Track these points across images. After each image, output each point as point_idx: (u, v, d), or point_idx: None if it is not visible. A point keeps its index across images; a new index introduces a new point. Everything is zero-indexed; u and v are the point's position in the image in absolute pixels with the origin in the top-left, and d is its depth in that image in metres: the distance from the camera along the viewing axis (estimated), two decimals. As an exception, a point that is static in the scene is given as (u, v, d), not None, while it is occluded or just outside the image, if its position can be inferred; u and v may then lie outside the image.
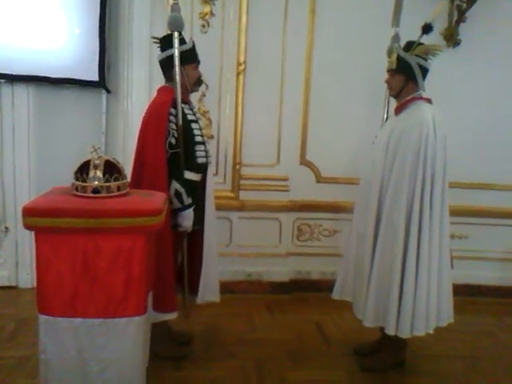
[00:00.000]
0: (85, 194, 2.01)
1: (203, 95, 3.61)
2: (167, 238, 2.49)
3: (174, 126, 2.54)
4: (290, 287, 3.87)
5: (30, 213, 1.92)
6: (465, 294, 3.76)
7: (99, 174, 2.00)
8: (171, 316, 2.63)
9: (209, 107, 3.66)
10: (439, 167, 2.52)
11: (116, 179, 2.03)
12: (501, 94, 3.79)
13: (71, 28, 3.44)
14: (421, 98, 2.62)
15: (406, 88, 2.63)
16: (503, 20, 3.66)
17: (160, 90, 2.71)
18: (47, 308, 1.96)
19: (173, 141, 2.54)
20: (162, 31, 3.41)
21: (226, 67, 3.61)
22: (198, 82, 2.74)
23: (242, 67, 3.60)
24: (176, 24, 2.54)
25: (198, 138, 2.69)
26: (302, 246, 3.95)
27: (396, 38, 2.90)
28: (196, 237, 2.77)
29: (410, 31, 2.66)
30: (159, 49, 2.69)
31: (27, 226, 1.94)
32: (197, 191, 2.68)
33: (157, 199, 2.11)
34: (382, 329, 2.70)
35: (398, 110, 2.69)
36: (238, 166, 3.71)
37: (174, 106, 2.55)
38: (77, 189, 2.04)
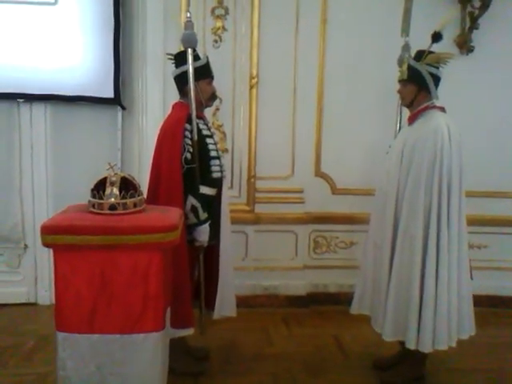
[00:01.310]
0: (101, 211, 2.03)
1: (217, 109, 3.65)
2: (183, 254, 2.49)
3: (189, 142, 2.56)
4: (307, 300, 3.84)
5: (48, 231, 1.94)
6: (486, 305, 3.69)
7: (115, 190, 2.02)
8: (188, 332, 2.62)
9: (223, 121, 3.69)
10: (455, 176, 2.50)
11: (132, 196, 2.05)
12: (513, 100, 3.75)
13: (86, 46, 3.51)
14: (434, 106, 2.61)
15: (418, 97, 2.61)
16: (516, 26, 3.64)
17: (175, 106, 2.75)
18: (65, 325, 1.97)
19: (188, 156, 2.56)
20: (176, 47, 3.47)
21: (239, 81, 3.64)
22: (213, 97, 2.77)
23: (254, 80, 3.63)
24: (189, 41, 2.58)
25: (213, 153, 2.70)
26: (318, 258, 3.93)
27: (406, 47, 2.89)
28: (212, 252, 2.77)
29: (420, 40, 2.65)
30: (174, 65, 2.73)
31: (46, 244, 1.97)
32: (212, 206, 2.69)
33: (173, 215, 2.12)
34: (401, 342, 2.66)
35: (412, 120, 2.67)
36: (252, 179, 3.71)
37: (189, 121, 2.57)
38: (94, 206, 2.06)
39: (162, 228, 1.96)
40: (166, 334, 2.18)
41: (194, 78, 2.58)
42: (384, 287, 2.63)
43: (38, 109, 3.60)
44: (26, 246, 3.71)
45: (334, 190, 3.87)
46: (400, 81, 2.69)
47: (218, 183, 2.73)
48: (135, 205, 2.06)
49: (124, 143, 3.69)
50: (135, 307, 1.98)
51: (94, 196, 2.06)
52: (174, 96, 3.59)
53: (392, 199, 2.63)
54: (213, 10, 3.55)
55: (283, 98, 3.68)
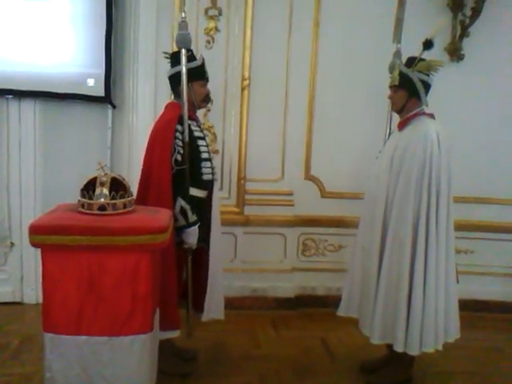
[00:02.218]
0: (91, 212, 2.02)
1: (208, 110, 3.64)
2: (171, 255, 2.47)
3: (180, 143, 2.55)
4: (295, 303, 3.85)
5: (36, 231, 1.93)
6: (472, 309, 3.73)
7: (105, 191, 2.01)
8: (174, 334, 2.62)
9: (213, 122, 3.68)
10: (444, 182, 2.53)
11: (122, 196, 2.04)
12: (504, 108, 3.80)
13: (78, 43, 3.48)
14: (424, 113, 2.63)
15: (408, 103, 2.64)
16: (505, 35, 3.68)
17: (167, 106, 2.75)
18: (53, 326, 1.96)
19: (179, 157, 2.54)
20: (168, 46, 3.47)
21: (231, 82, 3.63)
22: (206, 99, 2.76)
23: (246, 82, 3.63)
24: (184, 41, 2.56)
25: (205, 155, 2.69)
26: (307, 261, 3.94)
27: (398, 53, 2.93)
28: (201, 254, 2.75)
29: (412, 47, 2.67)
30: (169, 64, 2.72)
31: (33, 244, 1.95)
32: (202, 208, 2.68)
33: (163, 216, 2.11)
34: (388, 345, 2.68)
35: (402, 126, 2.69)
36: (242, 181, 3.71)
37: (181, 122, 2.55)
38: (83, 206, 2.05)
39: (151, 229, 1.96)
40: (155, 336, 2.17)
41: (188, 79, 2.57)
42: (372, 291, 2.65)
43: (28, 105, 3.55)
44: (12, 244, 3.66)
45: (324, 194, 3.88)
46: (391, 86, 2.72)
47: (208, 185, 2.72)
48: (125, 206, 2.05)
49: (114, 142, 3.67)
50: (123, 309, 1.97)
51: (83, 196, 2.05)
52: (166, 95, 3.59)
53: (381, 204, 2.65)
54: (206, 11, 3.54)
55: (274, 101, 3.69)
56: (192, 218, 2.56)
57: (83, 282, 1.93)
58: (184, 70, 2.54)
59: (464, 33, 3.63)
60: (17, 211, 3.63)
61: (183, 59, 2.53)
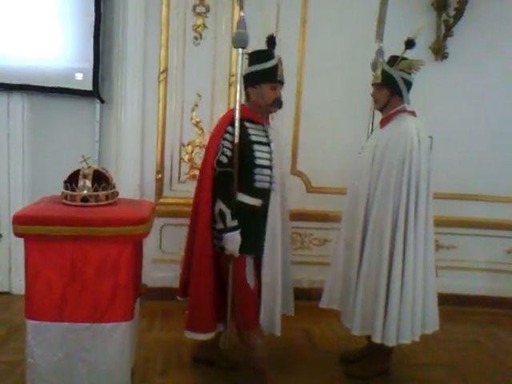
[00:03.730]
0: (74, 203, 2.07)
1: (196, 105, 3.69)
2: (206, 256, 2.45)
3: (227, 144, 2.44)
4: (280, 295, 3.90)
5: (20, 221, 1.98)
6: (454, 303, 3.80)
7: (88, 183, 2.06)
8: (206, 336, 2.58)
9: (201, 117, 3.72)
10: (423, 178, 2.58)
11: (104, 189, 2.10)
12: (486, 105, 3.86)
13: (66, 38, 3.51)
14: (405, 110, 2.68)
15: (391, 101, 2.68)
16: (487, 35, 3.74)
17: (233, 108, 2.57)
18: (35, 313, 2.02)
19: (223, 159, 2.43)
20: (156, 41, 3.51)
21: (219, 78, 3.68)
22: (276, 103, 2.56)
23: (234, 78, 3.66)
24: (240, 40, 2.46)
25: (261, 161, 2.51)
26: (292, 254, 3.94)
27: (380, 52, 2.97)
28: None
29: (396, 46, 2.71)
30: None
31: (17, 234, 2.01)
32: (254, 217, 2.54)
33: (144, 208, 2.17)
34: (368, 336, 2.74)
35: (384, 123, 2.75)
36: (229, 176, 3.76)
37: (233, 124, 2.43)
38: (66, 197, 2.10)
39: (132, 220, 2.01)
40: (135, 324, 2.23)
41: (257, 80, 2.48)
42: (353, 283, 2.70)
43: (16, 99, 3.59)
44: (0, 236, 3.70)
45: (309, 188, 3.94)
46: (374, 84, 2.77)
47: (262, 194, 2.55)
48: (107, 197, 2.11)
49: (102, 136, 3.71)
50: (105, 297, 2.03)
51: (66, 188, 2.10)
52: (154, 90, 3.65)
53: (363, 198, 2.70)
54: (194, 8, 3.58)
55: (262, 96, 3.73)
56: (231, 223, 2.42)
57: (65, 270, 1.99)
58: (239, 71, 2.46)
59: (448, 32, 3.69)
60: (5, 203, 3.67)
61: (239, 59, 2.45)
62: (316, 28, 3.71)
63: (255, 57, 2.52)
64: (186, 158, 3.75)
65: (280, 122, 3.75)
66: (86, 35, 3.48)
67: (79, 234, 1.96)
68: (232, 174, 2.41)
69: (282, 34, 3.65)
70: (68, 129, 3.68)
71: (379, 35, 3.01)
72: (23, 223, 1.97)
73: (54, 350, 2.02)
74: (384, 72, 2.67)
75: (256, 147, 2.50)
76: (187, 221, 3.68)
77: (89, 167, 2.10)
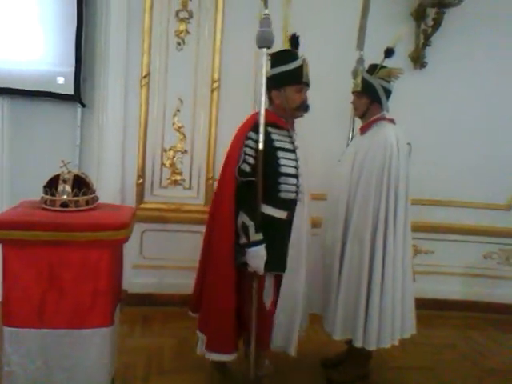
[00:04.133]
0: (53, 208, 2.06)
1: (178, 110, 3.70)
2: (228, 275, 2.29)
3: (250, 152, 2.27)
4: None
5: (-3, 225, 1.95)
6: (432, 308, 3.88)
7: (68, 188, 2.05)
8: (229, 357, 2.45)
9: (183, 122, 3.73)
10: (402, 184, 2.63)
11: (84, 194, 2.09)
12: (462, 113, 3.95)
13: (47, 41, 3.49)
14: (384, 118, 2.73)
15: (370, 109, 2.74)
16: (463, 45, 3.84)
17: (256, 113, 2.41)
18: (13, 320, 1.99)
19: (246, 168, 2.27)
20: (138, 45, 3.50)
21: (201, 84, 3.69)
22: (302, 106, 2.42)
23: (216, 84, 3.69)
24: (265, 40, 2.27)
25: (287, 169, 2.35)
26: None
27: (360, 60, 3.02)
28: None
29: (376, 54, 2.76)
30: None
31: (-5, 239, 1.98)
32: (279, 230, 2.36)
33: (124, 213, 2.17)
34: (347, 341, 2.77)
35: (363, 130, 2.80)
36: (210, 181, 3.77)
37: (256, 129, 2.25)
38: (46, 202, 2.08)
39: (111, 226, 2.01)
40: (115, 330, 2.22)
41: (280, 83, 2.34)
42: (334, 288, 2.73)
43: (-5, 102, 3.56)
44: (-22, 241, 3.64)
45: (291, 194, 3.96)
46: (354, 92, 2.82)
47: (288, 205, 2.37)
48: (87, 202, 2.10)
49: (83, 140, 3.68)
50: (84, 302, 2.02)
51: (46, 192, 2.09)
52: (136, 94, 3.63)
53: (343, 204, 2.73)
54: (177, 13, 3.59)
55: (244, 103, 3.72)
56: (255, 236, 2.22)
57: (44, 276, 1.97)
58: (264, 72, 2.28)
59: (426, 42, 3.77)
60: (-17, 208, 3.61)
61: (264, 59, 2.28)
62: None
63: (278, 57, 2.36)
64: (167, 163, 3.75)
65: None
66: (68, 39, 3.46)
67: (58, 239, 1.95)
68: (255, 184, 2.23)
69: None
70: (48, 133, 3.64)
71: (360, 44, 3.07)
72: (1, 228, 1.94)
73: (32, 358, 2.00)
74: (364, 80, 2.72)
75: (281, 154, 2.34)
76: (168, 226, 3.75)
77: (69, 172, 2.09)
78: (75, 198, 2.06)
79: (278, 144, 2.34)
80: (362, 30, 3.04)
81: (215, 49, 3.65)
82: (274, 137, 2.34)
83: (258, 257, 2.23)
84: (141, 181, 3.72)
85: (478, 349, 3.44)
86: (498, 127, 3.98)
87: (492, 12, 3.80)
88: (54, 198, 2.06)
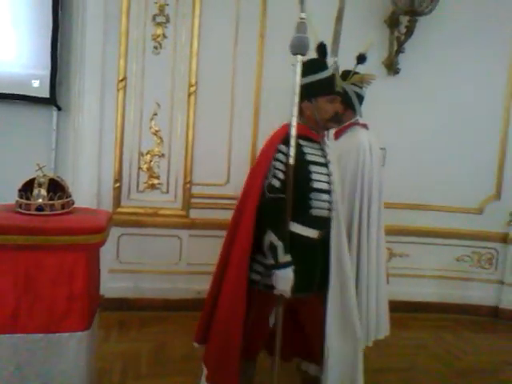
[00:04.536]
0: (28, 212, 2.04)
1: (155, 114, 3.70)
2: (239, 296, 2.10)
3: (280, 166, 2.11)
4: (239, 304, 3.92)
5: (-29, 230, 1.92)
6: (406, 310, 3.97)
7: (43, 192, 2.03)
8: None
9: (160, 126, 3.73)
10: (375, 189, 2.69)
11: (60, 197, 2.07)
12: (435, 118, 4.06)
13: (22, 44, 3.45)
14: (358, 123, 2.78)
15: (344, 114, 2.78)
16: (435, 52, 3.96)
17: (286, 124, 2.24)
18: (-14, 325, 1.96)
19: (275, 183, 2.10)
20: (115, 49, 3.50)
21: (178, 88, 3.70)
22: (335, 118, 2.28)
23: (193, 88, 3.71)
24: (299, 46, 2.10)
25: (319, 185, 2.18)
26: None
27: (335, 66, 3.06)
28: (306, 305, 2.32)
29: (351, 61, 2.81)
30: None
31: (-32, 243, 1.95)
32: (309, 250, 2.21)
33: (100, 217, 2.16)
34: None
35: (337, 135, 2.85)
36: (188, 185, 3.78)
37: (286, 142, 2.10)
38: (20, 206, 2.06)
39: (87, 230, 2.00)
40: (92, 334, 2.20)
41: (311, 94, 2.20)
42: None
43: (-32, 105, 3.50)
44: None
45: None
46: (327, 98, 2.86)
47: (321, 223, 2.20)
48: (63, 206, 2.09)
49: (59, 144, 3.66)
50: (60, 307, 2.01)
51: (21, 196, 2.07)
52: (112, 98, 3.61)
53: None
54: (154, 17, 3.60)
55: (221, 107, 3.78)
56: (283, 257, 2.05)
57: (19, 280, 1.95)
58: (297, 80, 2.12)
59: (400, 49, 3.87)
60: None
61: (297, 66, 2.12)
62: (273, 42, 3.77)
63: (309, 66, 2.21)
64: (144, 167, 3.74)
65: (239, 135, 3.84)
66: (43, 42, 3.44)
67: (34, 243, 1.93)
68: (285, 201, 2.08)
69: (240, 47, 3.76)
70: (23, 136, 3.61)
71: (334, 50, 3.11)
72: (-25, 232, 1.92)
73: (4, 364, 1.97)
74: (338, 86, 2.76)
75: (313, 168, 2.18)
76: (145, 230, 3.74)
77: (44, 176, 2.08)
78: (50, 202, 2.05)
79: (309, 157, 2.19)
80: (337, 36, 3.09)
81: (192, 53, 3.67)
82: (306, 150, 2.20)
83: (285, 279, 2.06)
84: (118, 185, 3.70)
85: (449, 350, 3.52)
86: (470, 132, 4.09)
87: (462, 20, 3.94)
88: (29, 201, 2.04)
